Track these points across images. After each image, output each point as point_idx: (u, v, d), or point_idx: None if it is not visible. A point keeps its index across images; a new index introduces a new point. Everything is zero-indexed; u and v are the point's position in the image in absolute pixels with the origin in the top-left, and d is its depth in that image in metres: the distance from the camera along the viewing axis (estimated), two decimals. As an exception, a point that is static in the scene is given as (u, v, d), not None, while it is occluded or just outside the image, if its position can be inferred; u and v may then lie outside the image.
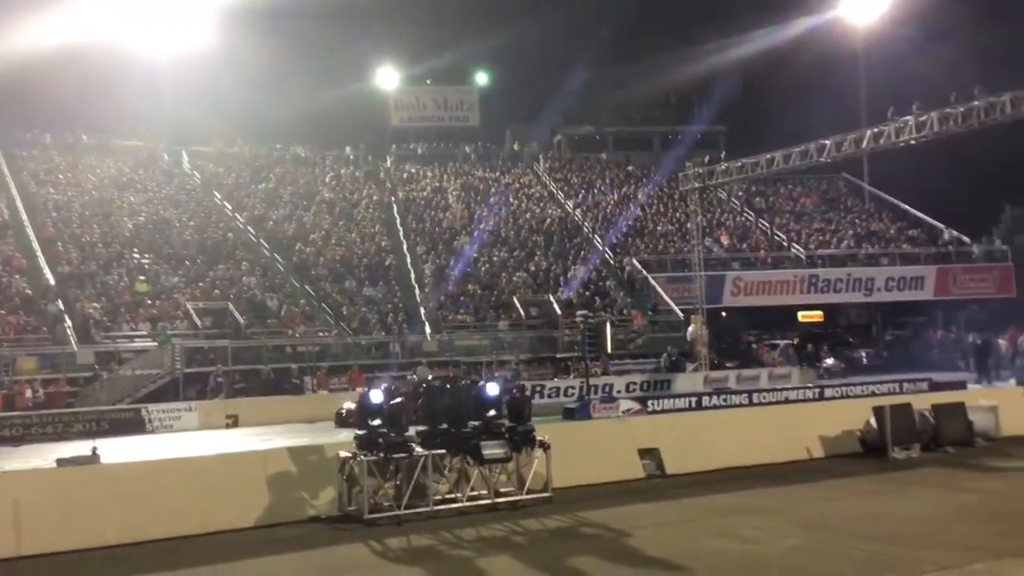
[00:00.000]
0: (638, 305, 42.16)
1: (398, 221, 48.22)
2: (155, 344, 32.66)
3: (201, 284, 37.74)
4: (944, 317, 47.83)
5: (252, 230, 43.83)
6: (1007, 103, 27.38)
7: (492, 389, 13.16)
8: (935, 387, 25.08)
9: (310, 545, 10.71)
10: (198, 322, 34.97)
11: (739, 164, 37.19)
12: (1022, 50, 52.48)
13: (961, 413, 16.78)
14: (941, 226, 51.39)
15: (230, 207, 45.92)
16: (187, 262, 39.41)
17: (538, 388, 31.16)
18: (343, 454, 12.26)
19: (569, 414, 22.81)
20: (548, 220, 50.02)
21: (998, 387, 26.65)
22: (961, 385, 25.56)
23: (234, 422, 27.66)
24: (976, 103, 28.34)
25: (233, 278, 38.85)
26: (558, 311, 39.88)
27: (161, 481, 11.69)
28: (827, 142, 33.07)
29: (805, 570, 8.73)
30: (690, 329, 38.06)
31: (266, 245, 42.63)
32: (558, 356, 37.22)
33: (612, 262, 46.45)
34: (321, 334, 36.38)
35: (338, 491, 12.29)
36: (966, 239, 50.48)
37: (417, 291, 41.69)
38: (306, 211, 47.02)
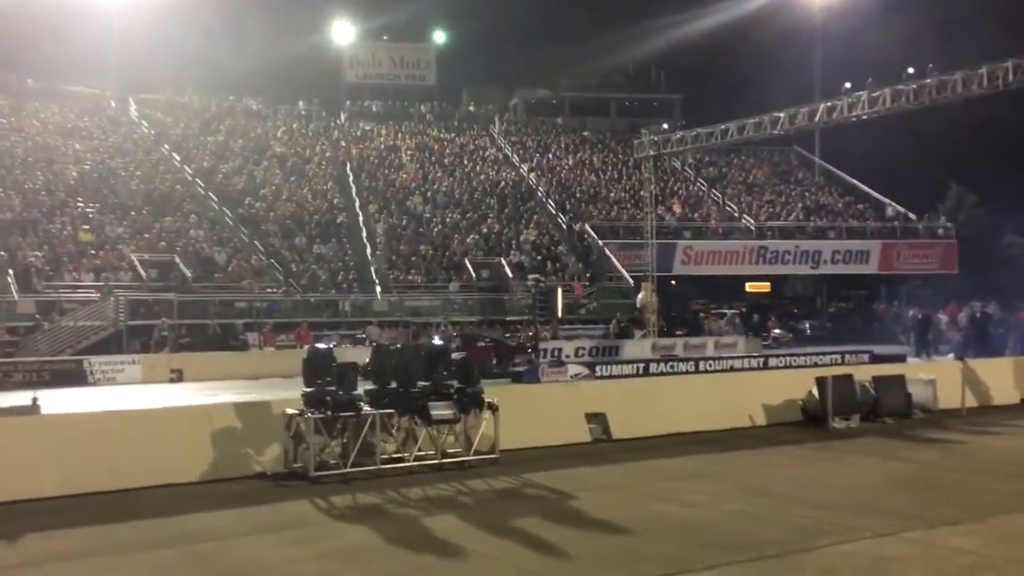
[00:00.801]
0: (591, 272, 42.33)
1: (351, 179, 47.76)
2: (98, 296, 32.06)
3: (147, 236, 37.12)
4: (887, 291, 48.80)
5: (201, 182, 43.11)
6: (958, 82, 27.75)
7: (440, 347, 13.13)
8: (876, 359, 25.55)
9: (255, 501, 10.64)
10: (143, 274, 34.42)
11: (694, 133, 37.31)
12: (975, 28, 53.17)
13: (900, 385, 17.15)
14: (887, 201, 52.24)
15: (179, 158, 45.09)
16: (133, 213, 38.70)
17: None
18: (290, 411, 12.18)
19: (518, 377, 22.88)
20: (502, 183, 49.88)
21: (937, 361, 27.29)
22: (901, 358, 26.11)
23: (178, 376, 27.31)
24: (928, 81, 28.68)
25: (180, 231, 38.25)
26: (509, 274, 39.91)
27: (103, 434, 11.51)
28: (781, 115, 33.30)
29: (746, 534, 8.88)
30: (640, 296, 38.34)
31: (215, 198, 42.01)
32: (508, 319, 37.30)
33: (564, 227, 46.53)
34: (269, 290, 35.99)
35: (284, 448, 12.21)
36: (912, 215, 51.41)
37: (368, 250, 41.41)
38: (257, 165, 46.36)
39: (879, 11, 58.78)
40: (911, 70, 29.46)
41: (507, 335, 32.62)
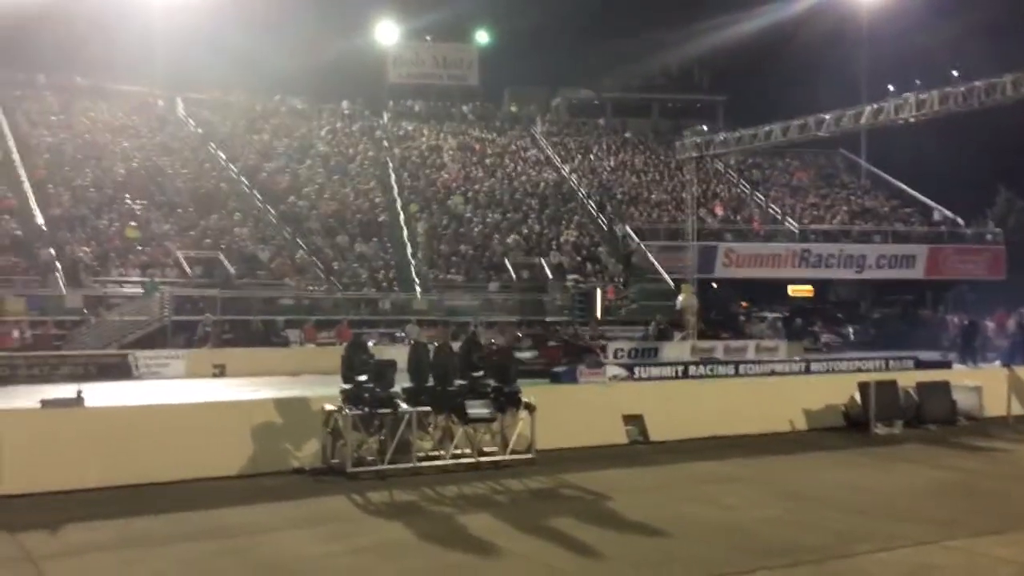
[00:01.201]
0: (628, 274, 42.14)
1: (393, 178, 48.01)
2: (142, 291, 32.59)
3: (192, 233, 37.63)
4: (933, 297, 48.03)
5: (246, 181, 43.60)
6: (1008, 84, 27.27)
7: (479, 349, 13.16)
8: (920, 365, 25.19)
9: (292, 496, 10.74)
10: (188, 270, 34.92)
11: (737, 135, 37.06)
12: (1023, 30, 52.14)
13: (945, 392, 16.88)
14: (934, 205, 51.44)
15: (224, 157, 45.63)
16: (179, 210, 39.25)
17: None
18: (328, 407, 12.27)
19: (556, 378, 22.86)
20: (543, 184, 49.87)
21: (983, 368, 26.81)
22: (946, 364, 25.70)
23: (221, 372, 27.70)
24: (977, 83, 28.23)
25: (225, 228, 38.72)
26: (549, 275, 39.88)
27: (145, 427, 11.69)
28: (826, 116, 32.95)
29: (782, 539, 8.79)
30: (680, 298, 38.14)
31: (259, 196, 42.46)
32: (547, 320, 37.27)
33: (605, 228, 46.40)
34: (311, 288, 36.32)
35: (322, 444, 12.31)
36: (959, 220, 50.54)
37: (409, 249, 41.61)
38: (300, 164, 46.78)
39: (926, 13, 57.81)
40: (956, 73, 29.00)
41: (573, 334, 32.25)
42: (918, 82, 30.28)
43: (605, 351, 29.61)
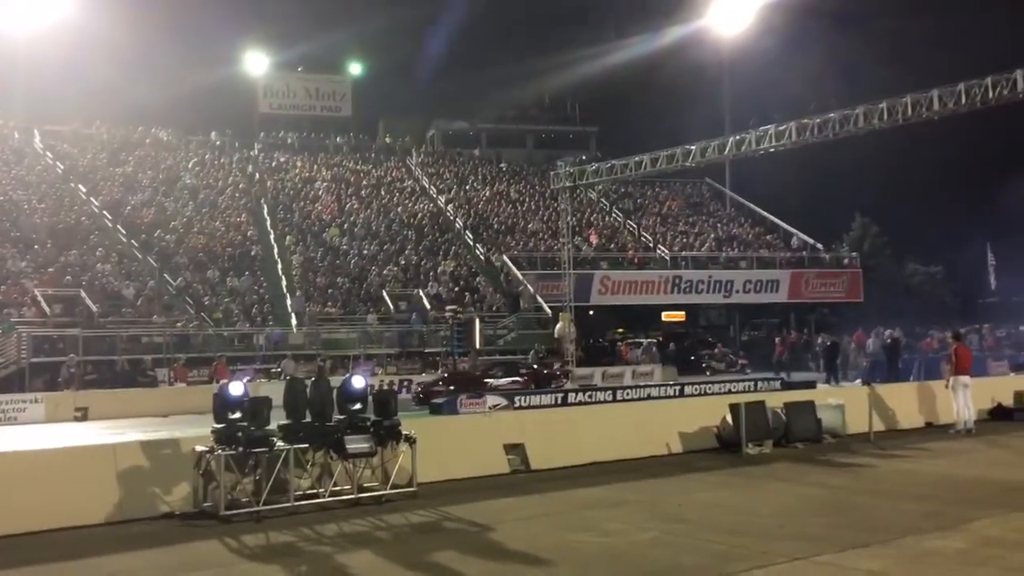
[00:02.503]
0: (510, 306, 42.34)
1: (265, 211, 47.09)
2: (-1, 332, 30.89)
3: (51, 270, 35.90)
4: (797, 319, 50.06)
5: (108, 215, 41.98)
6: (860, 116, 28.79)
7: (357, 383, 12.96)
8: (787, 386, 26.12)
9: (163, 542, 10.29)
10: (47, 309, 33.23)
11: (609, 165, 37.88)
12: (875, 64, 55.37)
13: (811, 411, 17.52)
14: (794, 231, 53.73)
15: (85, 190, 43.86)
16: (36, 247, 37.42)
17: (406, 383, 30.97)
18: (199, 448, 11.83)
19: (436, 409, 22.72)
20: (420, 214, 49.80)
21: (845, 386, 28.01)
22: (811, 384, 26.73)
23: (83, 415, 26.34)
24: (832, 115, 29.69)
25: (86, 264, 37.15)
26: (427, 306, 39.75)
27: (2, 475, 11.01)
28: (692, 147, 34.05)
29: (663, 561, 8.92)
30: (558, 326, 38.55)
31: (123, 231, 40.90)
32: (426, 351, 37.09)
33: (482, 258, 46.62)
34: (179, 325, 35.11)
35: (193, 487, 11.85)
36: (819, 245, 52.93)
37: (284, 282, 40.79)
38: (167, 197, 45.36)
39: (786, 48, 60.79)
40: (813, 105, 30.44)
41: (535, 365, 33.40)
42: (777, 114, 31.63)
43: (568, 377, 31.21)
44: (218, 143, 54.34)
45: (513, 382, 28.67)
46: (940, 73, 30.10)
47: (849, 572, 8.47)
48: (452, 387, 27.42)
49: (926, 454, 15.95)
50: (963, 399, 18.56)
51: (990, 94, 25.92)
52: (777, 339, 41.06)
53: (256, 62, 60.18)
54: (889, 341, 33.77)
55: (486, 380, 28.23)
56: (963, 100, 26.54)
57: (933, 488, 12.68)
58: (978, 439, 17.54)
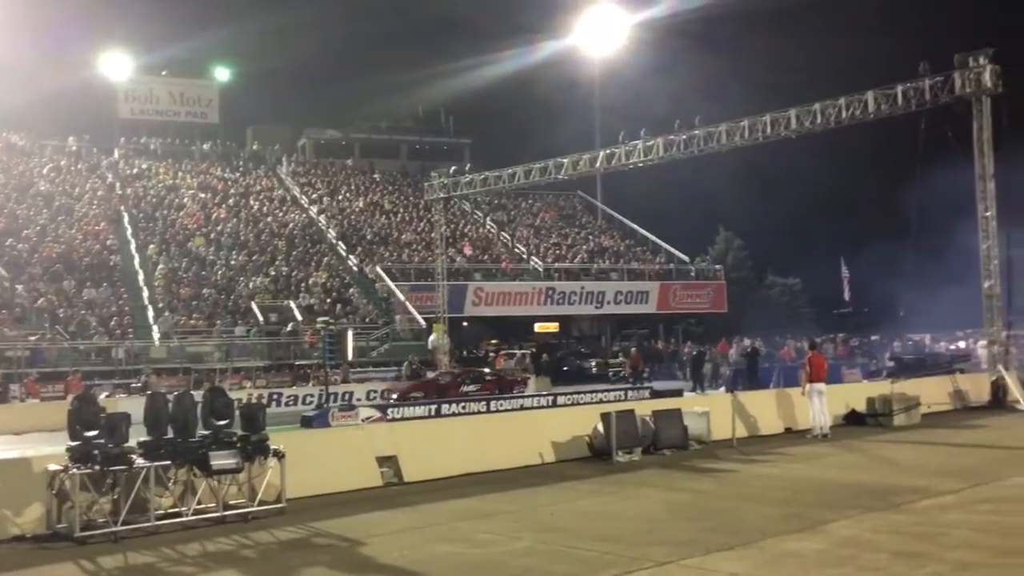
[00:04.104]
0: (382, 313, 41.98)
1: (126, 219, 45.28)
2: None
3: None
4: (665, 329, 51.42)
5: (-45, 222, 39.57)
6: (723, 133, 29.89)
7: (223, 395, 12.57)
8: (656, 395, 26.77)
9: (11, 566, 9.70)
10: None
11: (483, 176, 38.12)
12: (738, 84, 57.57)
13: (678, 418, 17.98)
14: (663, 244, 55.24)
15: (-71, 196, 41.23)
16: None
17: (275, 396, 30.29)
18: (52, 467, 11.23)
19: (307, 422, 22.29)
20: (291, 225, 48.85)
21: (710, 394, 28.88)
22: (678, 393, 27.47)
23: (-74, 434, 24.67)
24: (697, 132, 30.72)
25: (-70, 274, 34.85)
26: (298, 317, 38.98)
27: None
28: (564, 160, 34.64)
29: (535, 570, 8.96)
30: (432, 337, 38.47)
31: (-29, 239, 38.60)
32: (297, 363, 36.34)
33: (355, 269, 46.07)
34: (31, 338, 33.31)
35: (46, 508, 11.23)
36: (685, 258, 54.54)
37: (145, 293, 39.24)
38: (19, 204, 43.08)
39: (654, 66, 62.53)
40: (678, 122, 31.41)
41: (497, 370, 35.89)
42: (644, 130, 32.48)
43: (526, 384, 32.61)
44: (75, 148, 51.97)
45: (480, 389, 30.85)
46: (798, 94, 31.55)
47: (712, 574, 8.70)
48: (424, 394, 29.50)
49: (785, 458, 16.56)
50: (819, 405, 19.39)
51: (843, 114, 27.33)
52: (633, 348, 42.11)
53: (117, 64, 57.76)
54: (749, 350, 35.08)
55: (460, 388, 30.41)
56: (818, 119, 27.91)
57: (792, 491, 13.17)
58: (833, 443, 18.33)
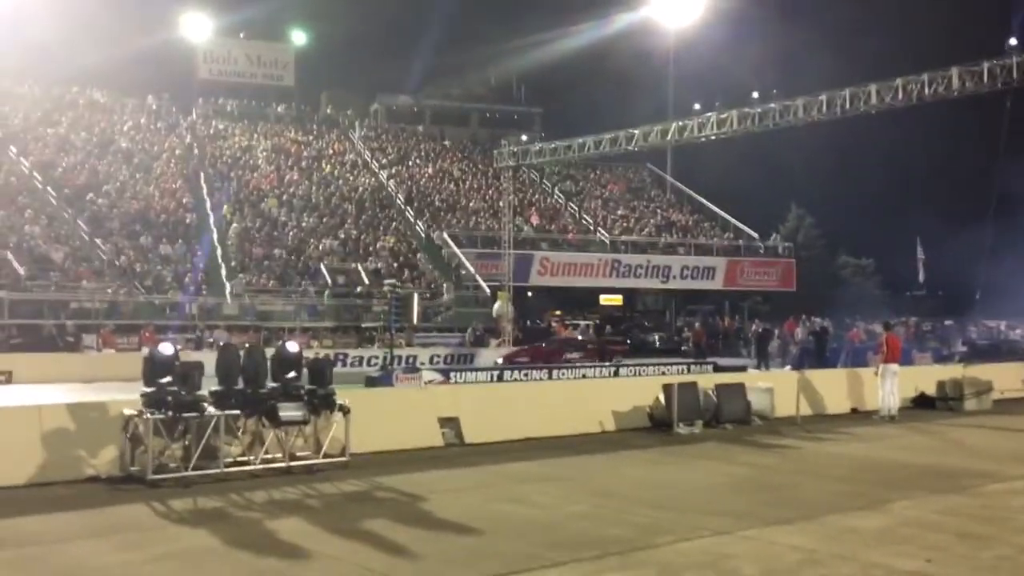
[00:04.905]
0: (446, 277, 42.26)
1: (202, 178, 46.18)
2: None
3: (-24, 230, 34.83)
4: (731, 306, 50.86)
5: (39, 176, 40.80)
6: (800, 108, 29.26)
7: (292, 350, 12.84)
8: (719, 370, 26.58)
9: (87, 505, 10.10)
10: (-29, 270, 32.28)
11: (552, 146, 37.96)
12: (817, 57, 56.22)
13: (741, 393, 17.85)
14: (732, 220, 54.53)
15: (15, 150, 42.54)
16: (-39, 206, 36.25)
17: (341, 357, 30.78)
18: (127, 412, 11.62)
19: (372, 382, 22.63)
20: (360, 189, 49.36)
21: (775, 372, 28.57)
22: (742, 369, 27.24)
23: (7, 378, 25.71)
24: (772, 105, 30.14)
25: (14, 226, 36.08)
26: (366, 280, 39.48)
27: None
28: (636, 131, 34.29)
29: (590, 533, 9.03)
30: (496, 305, 38.62)
31: (53, 193, 39.80)
32: (363, 326, 36.85)
33: (422, 234, 46.42)
34: (109, 291, 34.33)
35: (120, 451, 11.64)
36: (755, 234, 53.79)
37: (219, 252, 40.09)
38: (100, 160, 44.23)
39: (731, 37, 61.44)
40: (756, 94, 30.89)
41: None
42: (719, 103, 32.03)
43: (625, 353, 33.45)
44: (154, 107, 53.08)
45: (583, 356, 31.74)
46: (880, 68, 30.71)
47: (772, 546, 8.66)
48: (530, 359, 30.49)
49: (850, 437, 16.35)
50: (890, 386, 19.05)
51: (926, 91, 26.54)
52: (697, 324, 41.68)
53: (197, 25, 58.70)
54: (818, 330, 34.54)
55: (564, 354, 31.29)
56: (900, 95, 27.15)
57: (856, 470, 13.01)
58: (901, 425, 18.03)
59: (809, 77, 39.07)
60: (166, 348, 12.14)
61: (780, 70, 50.69)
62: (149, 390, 11.59)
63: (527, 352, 32.27)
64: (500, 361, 30.73)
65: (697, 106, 32.96)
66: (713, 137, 32.34)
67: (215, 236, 41.12)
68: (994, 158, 25.78)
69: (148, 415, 11.34)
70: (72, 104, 50.05)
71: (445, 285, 40.67)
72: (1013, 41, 24.80)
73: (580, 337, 37.09)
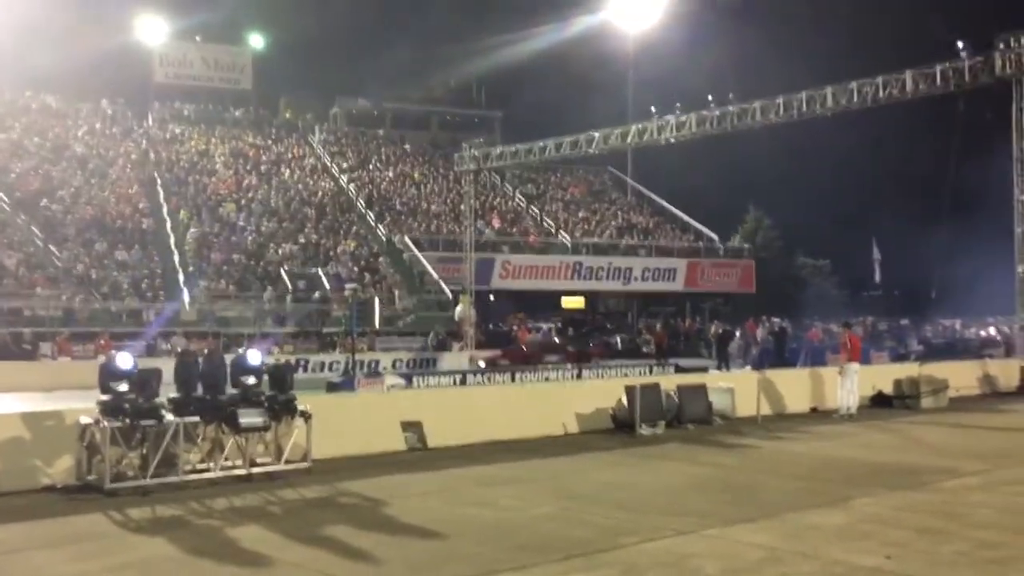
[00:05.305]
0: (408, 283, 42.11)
1: (159, 183, 45.61)
2: None
3: (-75, 237, 34.09)
4: (692, 307, 51.20)
5: (-9, 182, 40.07)
6: (757, 110, 29.57)
7: (253, 357, 12.70)
8: (680, 371, 26.74)
9: (43, 515, 9.91)
10: (-80, 278, 31.58)
11: (513, 149, 38.00)
12: (773, 60, 56.88)
13: (702, 394, 17.96)
14: (692, 222, 54.92)
15: (-35, 155, 41.74)
16: (-89, 212, 35.47)
17: (302, 362, 30.55)
18: (84, 420, 11.42)
19: (333, 388, 22.46)
20: (320, 193, 49.04)
21: (736, 372, 28.78)
22: (704, 369, 27.41)
23: (-40, 388, 25.10)
24: (730, 108, 30.42)
25: (-35, 232, 35.36)
26: (327, 285, 39.21)
27: None
28: (596, 134, 34.44)
29: (555, 535, 9.02)
30: (458, 309, 38.55)
31: (6, 199, 39.08)
32: (324, 331, 36.60)
33: (384, 238, 46.22)
34: (64, 298, 33.74)
35: (76, 459, 11.44)
36: (714, 236, 54.21)
37: (176, 257, 39.59)
38: (54, 165, 43.52)
39: (689, 42, 61.90)
40: (712, 97, 31.13)
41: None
42: (678, 105, 32.23)
43: (603, 356, 34.17)
44: (110, 112, 52.36)
45: (559, 358, 32.14)
46: (835, 71, 31.12)
47: (733, 545, 8.72)
48: (510, 361, 30.85)
49: (810, 436, 16.51)
50: (850, 385, 19.31)
51: (880, 93, 26.96)
52: (658, 325, 41.96)
53: (153, 28, 57.98)
54: (777, 330, 34.89)
55: (543, 357, 31.63)
56: (855, 98, 27.54)
57: (817, 468, 13.14)
58: (860, 423, 18.24)
59: (766, 80, 39.45)
60: (123, 356, 11.94)
61: (738, 74, 51.21)
62: (105, 398, 11.40)
63: (506, 355, 32.49)
64: (482, 364, 30.96)
65: (654, 109, 33.04)
66: (672, 140, 32.57)
67: (172, 241, 40.60)
68: (947, 159, 26.23)
69: (105, 423, 11.15)
70: (25, 109, 49.25)
71: (397, 292, 40.47)
72: (964, 45, 25.23)
73: (541, 339, 37.08)
